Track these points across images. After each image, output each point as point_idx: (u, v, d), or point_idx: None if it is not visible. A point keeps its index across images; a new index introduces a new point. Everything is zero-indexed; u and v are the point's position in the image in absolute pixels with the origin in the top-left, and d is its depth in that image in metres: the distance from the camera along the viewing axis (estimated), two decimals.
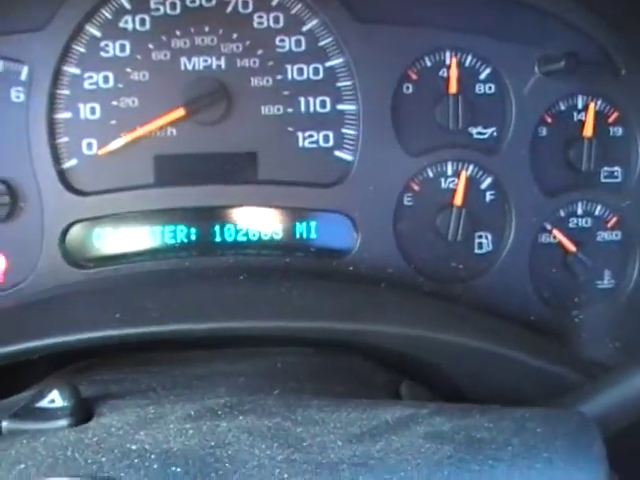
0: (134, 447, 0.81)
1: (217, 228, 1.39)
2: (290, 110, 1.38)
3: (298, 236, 1.40)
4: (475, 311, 1.35)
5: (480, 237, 1.44)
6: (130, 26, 1.34)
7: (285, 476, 0.77)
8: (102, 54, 1.35)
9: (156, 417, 0.88)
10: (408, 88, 1.40)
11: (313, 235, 1.39)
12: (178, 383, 1.03)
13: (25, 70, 1.32)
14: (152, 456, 0.79)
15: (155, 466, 0.77)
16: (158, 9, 1.34)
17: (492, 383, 1.16)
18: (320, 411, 0.90)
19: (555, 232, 1.45)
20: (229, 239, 1.40)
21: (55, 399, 0.90)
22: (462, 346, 1.18)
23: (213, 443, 0.81)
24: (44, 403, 0.90)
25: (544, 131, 1.44)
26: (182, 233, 1.38)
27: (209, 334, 1.11)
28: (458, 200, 1.40)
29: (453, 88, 1.39)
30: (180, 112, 1.34)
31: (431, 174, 1.42)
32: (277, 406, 0.91)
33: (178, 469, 0.77)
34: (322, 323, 1.16)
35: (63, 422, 0.87)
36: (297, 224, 1.39)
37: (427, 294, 1.37)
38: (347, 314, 1.20)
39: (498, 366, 1.19)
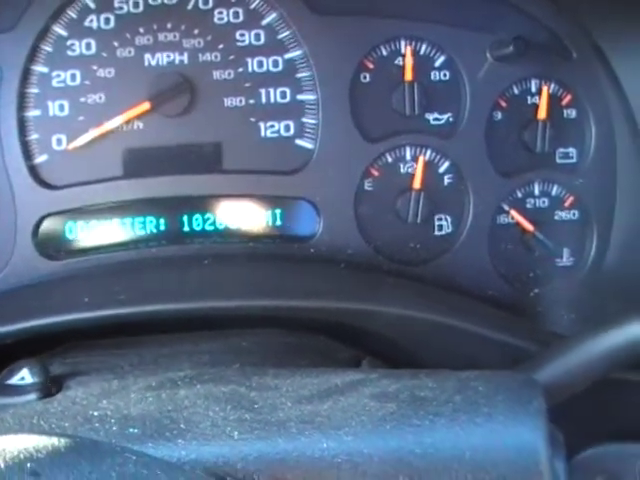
0: (96, 413, 0.88)
1: (185, 218, 1.44)
2: (252, 101, 1.44)
3: (264, 223, 1.45)
4: (434, 288, 1.40)
5: (440, 219, 1.50)
6: (95, 25, 1.40)
7: (235, 433, 0.83)
8: (69, 53, 1.40)
9: (119, 388, 0.95)
10: (365, 77, 1.46)
11: (278, 221, 1.45)
12: (144, 360, 1.09)
13: None
14: (112, 420, 0.85)
15: (114, 428, 0.84)
16: (122, 8, 1.40)
17: (452, 357, 1.22)
18: (275, 378, 0.96)
19: (513, 212, 1.51)
20: (197, 228, 1.45)
21: (25, 377, 0.96)
22: (421, 321, 1.24)
23: (170, 408, 0.88)
24: (14, 380, 0.96)
25: (499, 115, 1.50)
26: (151, 224, 1.43)
27: (173, 315, 1.17)
28: (417, 184, 1.47)
29: (409, 76, 1.45)
30: (145, 106, 1.40)
31: (390, 159, 1.48)
32: (235, 375, 0.98)
33: (136, 430, 0.83)
34: (283, 301, 1.22)
35: (32, 396, 0.94)
36: (262, 211, 1.45)
37: (387, 273, 1.40)
38: (309, 293, 1.25)
39: (457, 340, 1.26)
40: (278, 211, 1.47)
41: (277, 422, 0.86)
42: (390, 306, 1.24)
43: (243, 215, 1.47)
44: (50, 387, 0.98)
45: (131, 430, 0.84)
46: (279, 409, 0.89)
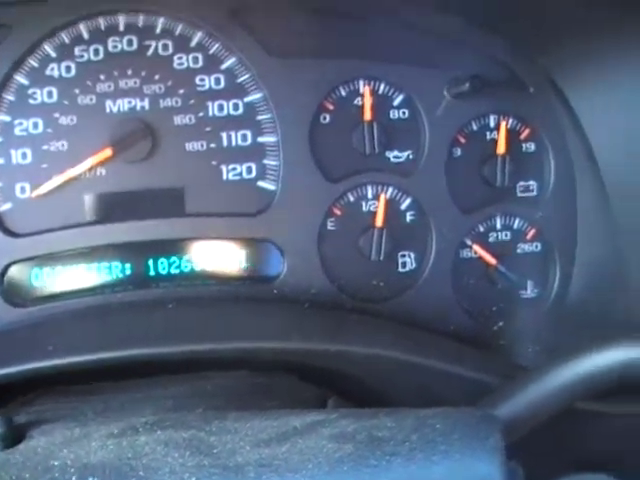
0: (56, 463, 0.89)
1: (150, 262, 1.46)
2: (213, 145, 1.46)
3: (228, 265, 1.47)
4: (398, 325, 1.42)
5: (403, 256, 1.52)
6: (56, 73, 1.42)
7: (194, 479, 0.84)
8: (31, 101, 1.42)
9: (81, 436, 0.96)
10: (325, 118, 1.48)
11: (243, 263, 1.47)
12: (109, 407, 1.11)
13: None
14: (72, 469, 0.87)
15: (74, 478, 0.85)
16: (82, 56, 1.42)
17: (418, 393, 1.23)
18: (235, 422, 0.98)
19: (475, 247, 1.53)
20: (163, 272, 1.47)
21: None
22: (385, 359, 1.26)
23: (130, 455, 0.90)
24: None
25: (458, 151, 1.53)
26: (117, 269, 1.45)
27: (139, 360, 1.18)
28: (379, 222, 1.49)
29: (368, 115, 1.48)
30: (107, 152, 1.42)
31: (352, 198, 1.50)
32: (196, 420, 0.99)
33: (95, 479, 0.84)
34: (248, 343, 1.24)
35: None
36: (226, 253, 1.46)
37: (351, 311, 1.42)
38: (273, 334, 1.27)
39: (422, 376, 1.28)
40: (242, 253, 1.49)
41: (235, 467, 0.87)
42: (354, 345, 1.26)
43: (208, 258, 1.49)
44: (12, 437, 0.99)
45: (91, 479, 0.85)
46: (237, 453, 0.90)
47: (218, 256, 1.49)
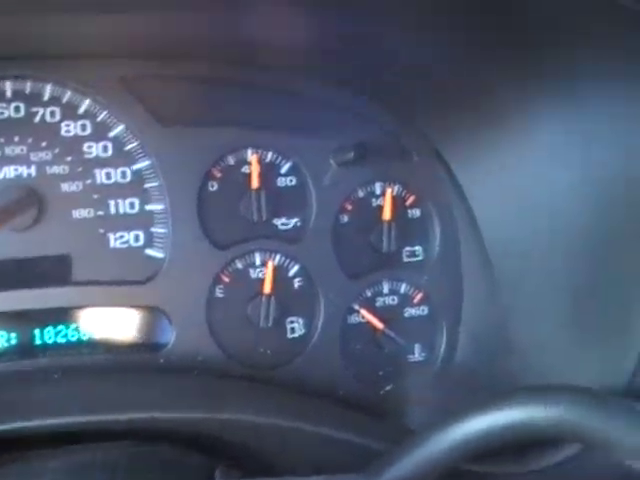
0: None
1: (37, 331, 1.45)
2: (100, 212, 1.47)
3: (116, 334, 1.47)
4: (286, 392, 1.43)
5: (291, 322, 1.54)
6: None
7: None
8: None
9: None
10: (213, 186, 1.50)
11: (130, 332, 1.46)
12: None
13: None
14: None
15: None
16: None
17: (304, 459, 1.24)
18: None
19: (363, 312, 1.56)
20: (49, 341, 1.46)
21: None
22: (271, 426, 1.27)
23: None
24: None
25: (345, 218, 1.56)
26: (2, 338, 1.44)
27: (19, 432, 1.17)
28: (267, 288, 1.51)
29: (255, 183, 1.50)
30: None
31: (240, 265, 1.52)
32: None
33: None
34: (133, 414, 1.24)
35: None
36: (114, 322, 1.46)
37: (240, 378, 1.43)
38: (159, 403, 1.27)
39: (309, 443, 1.29)
40: (130, 321, 1.47)
41: None
42: (240, 413, 1.27)
43: (95, 326, 1.48)
44: None
45: None
46: None
47: (106, 325, 1.49)
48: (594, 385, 1.24)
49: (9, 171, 1.45)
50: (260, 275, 1.53)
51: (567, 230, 1.36)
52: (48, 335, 1.46)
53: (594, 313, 1.35)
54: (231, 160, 1.52)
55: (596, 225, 1.31)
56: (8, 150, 1.44)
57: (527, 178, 1.41)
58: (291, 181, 1.54)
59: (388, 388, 1.58)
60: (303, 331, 1.55)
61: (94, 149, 1.48)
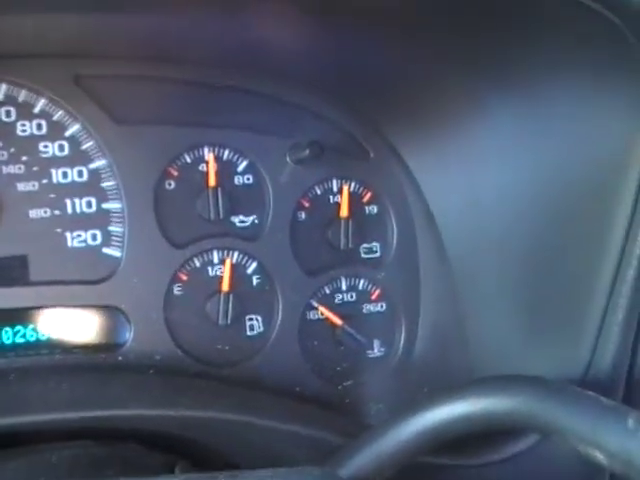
0: None
1: None
2: (57, 212, 1.48)
3: (74, 333, 1.48)
4: (243, 389, 1.45)
5: (250, 319, 1.57)
6: None
7: None
8: None
9: None
10: (170, 184, 1.52)
11: (88, 331, 1.48)
12: None
13: None
14: None
15: None
16: None
17: (264, 456, 1.26)
18: None
19: (321, 309, 1.59)
20: (7, 342, 1.47)
21: None
22: (228, 422, 1.29)
23: None
24: None
25: (303, 215, 1.59)
26: None
27: None
28: (225, 286, 1.53)
29: (212, 181, 1.52)
30: None
31: (198, 263, 1.54)
32: None
33: None
34: (91, 412, 1.25)
35: None
36: (72, 322, 1.47)
37: (198, 377, 1.45)
38: (117, 402, 1.29)
39: (268, 439, 1.31)
40: (88, 321, 1.49)
41: None
42: (196, 410, 1.29)
43: (53, 326, 1.49)
44: None
45: None
46: None
47: (64, 324, 1.50)
48: (551, 376, 1.27)
49: None
50: (218, 273, 1.55)
51: (518, 224, 1.40)
52: (6, 336, 1.47)
53: (548, 305, 1.39)
54: (188, 158, 1.54)
55: (546, 219, 1.35)
56: None
57: (480, 174, 1.44)
58: (248, 179, 1.56)
59: (348, 383, 1.60)
60: (262, 328, 1.57)
61: (50, 148, 1.49)
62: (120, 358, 1.48)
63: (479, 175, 1.46)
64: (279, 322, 1.56)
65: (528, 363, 1.41)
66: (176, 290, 1.53)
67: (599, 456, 1.01)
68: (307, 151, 1.49)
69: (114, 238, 1.51)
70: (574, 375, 1.35)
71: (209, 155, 1.54)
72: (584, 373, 1.33)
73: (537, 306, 1.43)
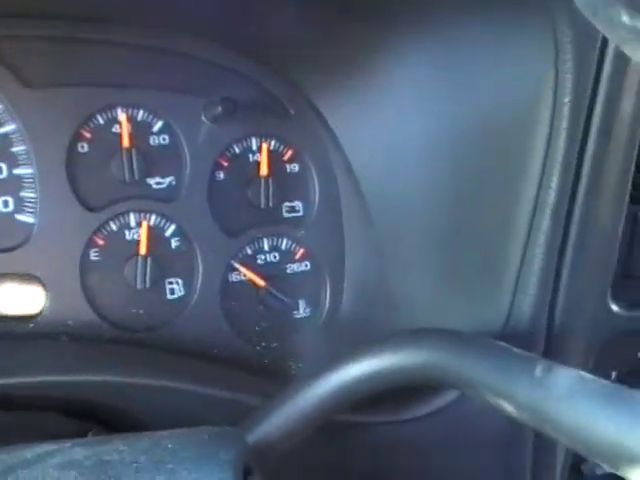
0: None
1: None
2: None
3: None
4: (161, 353, 1.44)
5: (170, 283, 1.55)
6: None
7: None
8: None
9: None
10: (83, 147, 1.50)
11: (3, 299, 1.45)
12: None
13: None
14: None
15: None
16: None
17: (182, 420, 1.24)
18: None
19: (243, 270, 1.58)
20: None
21: None
22: (138, 386, 1.28)
23: None
24: None
25: (221, 175, 1.58)
26: None
27: None
28: (143, 249, 1.52)
29: (126, 142, 1.50)
30: None
31: (114, 227, 1.52)
32: None
33: None
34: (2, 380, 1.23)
35: None
36: None
37: (116, 342, 1.44)
38: (30, 369, 1.27)
39: (184, 403, 1.31)
40: (2, 289, 1.46)
41: None
42: (107, 375, 1.28)
43: None
44: None
45: None
46: None
47: None
48: (474, 330, 1.27)
49: None
50: (135, 236, 1.54)
51: (439, 177, 1.40)
52: None
53: (467, 259, 1.39)
54: (100, 120, 1.52)
55: (465, 170, 1.35)
56: None
57: (400, 127, 1.44)
58: (164, 139, 1.54)
59: (273, 345, 1.59)
60: (183, 292, 1.56)
61: None
62: (32, 325, 1.45)
63: (399, 128, 1.46)
64: (199, 285, 1.55)
65: (451, 318, 1.42)
66: (93, 255, 1.52)
67: (508, 407, 1.01)
68: (219, 108, 1.47)
69: (27, 204, 1.49)
70: (495, 328, 1.35)
71: (122, 116, 1.52)
72: (504, 325, 1.33)
73: (458, 260, 1.43)
